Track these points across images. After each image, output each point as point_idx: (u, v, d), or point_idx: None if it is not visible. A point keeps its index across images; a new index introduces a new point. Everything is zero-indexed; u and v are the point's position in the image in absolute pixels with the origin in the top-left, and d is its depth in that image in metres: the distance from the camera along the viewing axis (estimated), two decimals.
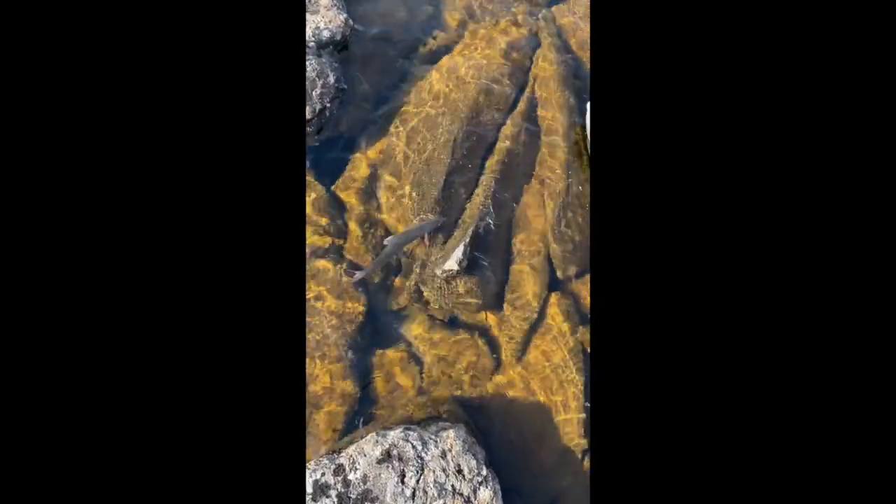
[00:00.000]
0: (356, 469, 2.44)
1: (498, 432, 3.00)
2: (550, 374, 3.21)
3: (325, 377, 3.04)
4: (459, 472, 2.50)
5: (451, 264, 3.14)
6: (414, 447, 2.52)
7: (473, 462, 2.55)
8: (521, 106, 3.95)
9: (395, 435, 2.56)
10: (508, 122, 3.89)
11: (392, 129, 3.75)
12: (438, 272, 3.19)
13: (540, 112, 3.97)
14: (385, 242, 3.24)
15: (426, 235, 3.31)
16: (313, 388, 2.95)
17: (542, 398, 3.16)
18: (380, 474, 2.42)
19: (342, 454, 2.53)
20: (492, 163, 3.71)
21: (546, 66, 4.18)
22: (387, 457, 2.47)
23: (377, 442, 2.52)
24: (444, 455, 2.53)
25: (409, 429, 2.63)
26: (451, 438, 2.59)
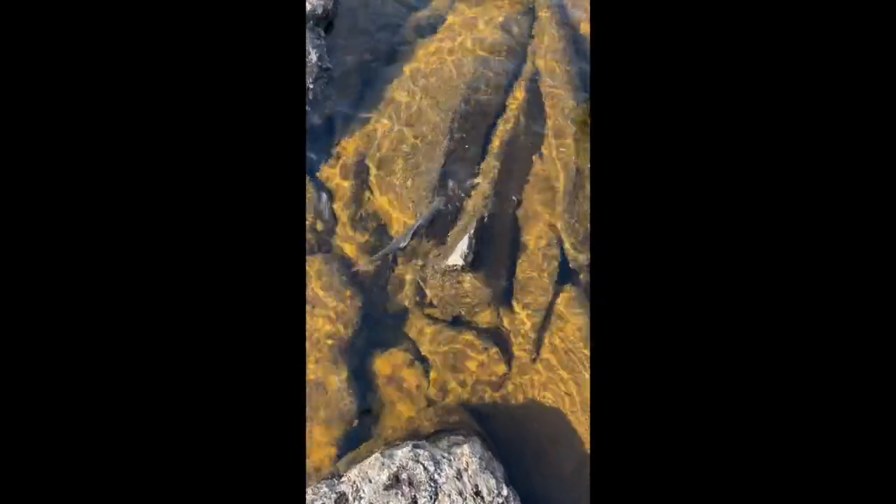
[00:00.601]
0: (360, 498, 2.14)
1: (513, 440, 2.75)
2: (566, 375, 2.94)
3: (318, 387, 2.75)
4: (478, 493, 2.22)
5: (456, 259, 2.89)
6: (425, 468, 2.23)
7: (492, 481, 2.27)
8: (522, 83, 3.66)
9: (403, 455, 2.27)
10: (509, 101, 3.60)
11: (382, 110, 3.47)
12: (441, 268, 2.93)
13: (542, 89, 3.67)
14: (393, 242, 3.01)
15: (426, 226, 3.02)
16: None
17: (558, 401, 2.90)
18: (388, 503, 2.13)
19: (343, 480, 2.23)
20: (493, 145, 3.43)
21: (546, 39, 3.87)
22: (395, 481, 2.17)
23: (383, 464, 2.23)
24: (459, 475, 2.24)
25: (417, 446, 2.33)
26: (467, 455, 2.31)
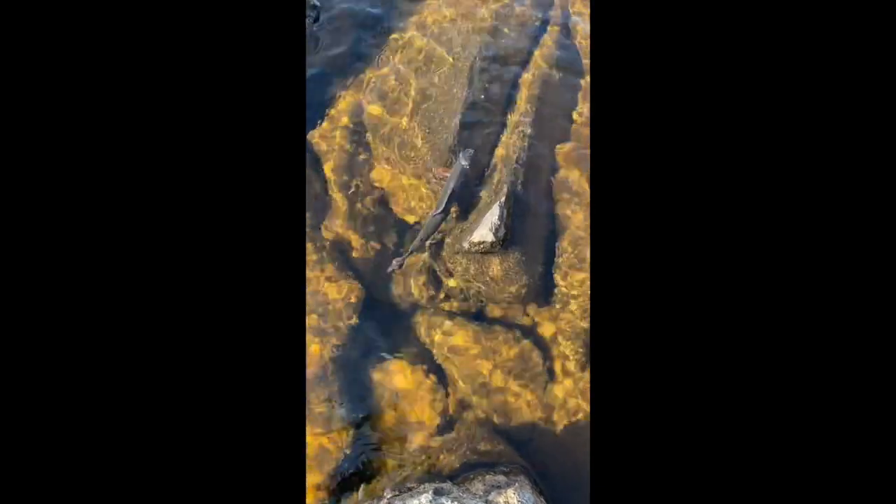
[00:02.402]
0: None
1: (565, 475, 2.27)
2: None
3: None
4: None
5: (484, 234, 2.41)
6: None
7: None
8: (555, 21, 3.24)
9: None
10: (538, 44, 3.17)
11: (385, 55, 3.07)
12: (466, 246, 2.46)
13: (574, 30, 3.24)
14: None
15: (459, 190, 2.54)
16: None
17: None
18: None
19: None
20: (522, 96, 2.98)
21: None
22: None
23: None
24: None
25: (440, 492, 1.72)
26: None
